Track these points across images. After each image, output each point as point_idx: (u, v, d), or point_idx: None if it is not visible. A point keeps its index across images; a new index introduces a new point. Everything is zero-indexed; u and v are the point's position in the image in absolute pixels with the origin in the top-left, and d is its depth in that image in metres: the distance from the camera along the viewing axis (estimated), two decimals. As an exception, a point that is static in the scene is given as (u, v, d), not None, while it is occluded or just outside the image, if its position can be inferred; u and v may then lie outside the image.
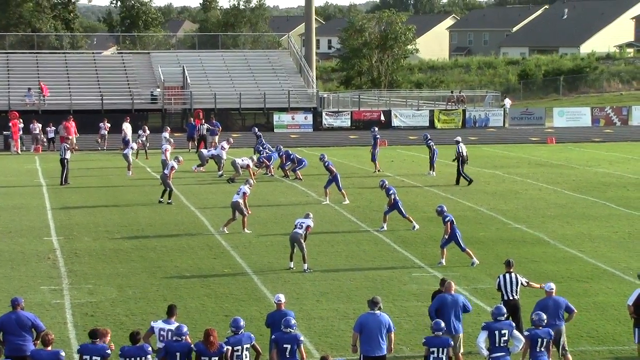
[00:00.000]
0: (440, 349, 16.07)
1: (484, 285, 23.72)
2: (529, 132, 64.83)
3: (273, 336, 16.35)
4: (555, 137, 60.58)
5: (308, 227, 25.69)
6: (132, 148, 44.68)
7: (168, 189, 35.37)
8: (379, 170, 43.97)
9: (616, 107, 73.07)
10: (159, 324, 16.55)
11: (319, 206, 35.31)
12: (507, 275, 19.19)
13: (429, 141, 43.70)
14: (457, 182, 40.74)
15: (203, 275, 24.87)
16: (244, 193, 30.44)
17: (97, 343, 15.50)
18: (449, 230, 25.81)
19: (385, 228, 30.66)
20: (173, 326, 16.31)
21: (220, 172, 42.95)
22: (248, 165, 41.08)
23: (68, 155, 41.35)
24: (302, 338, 16.31)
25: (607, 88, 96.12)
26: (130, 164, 43.24)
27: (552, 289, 18.17)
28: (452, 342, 16.78)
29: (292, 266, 25.54)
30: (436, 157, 43.48)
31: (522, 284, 19.25)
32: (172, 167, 35.72)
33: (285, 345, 16.02)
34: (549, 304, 17.84)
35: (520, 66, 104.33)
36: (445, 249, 26.23)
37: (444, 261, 26.10)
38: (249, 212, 30.88)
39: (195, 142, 52.16)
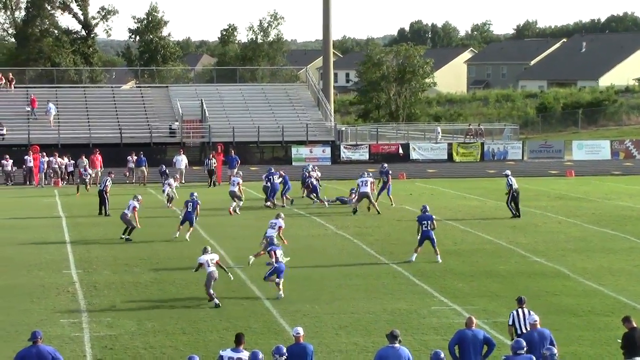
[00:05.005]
0: None
1: (504, 318, 23.48)
2: (548, 165, 64.71)
3: None
4: (575, 170, 60.45)
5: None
6: (169, 184, 44.27)
7: (130, 227, 35.09)
8: (391, 204, 43.83)
9: (636, 140, 72.86)
10: (227, 353, 16.69)
11: (337, 239, 35.28)
12: (520, 310, 19.12)
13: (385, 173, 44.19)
14: (518, 214, 40.43)
15: (222, 309, 24.82)
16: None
17: None
18: (421, 231, 30.34)
19: (413, 259, 30.61)
20: (242, 354, 16.50)
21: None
22: (239, 183, 42.27)
23: (109, 187, 41.65)
24: None
25: (627, 121, 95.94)
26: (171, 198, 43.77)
27: (536, 321, 18.18)
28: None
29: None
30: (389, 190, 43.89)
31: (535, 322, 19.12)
32: (134, 207, 35.56)
33: None
34: (534, 336, 17.76)
35: (538, 99, 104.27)
36: (420, 248, 30.45)
37: (414, 258, 30.36)
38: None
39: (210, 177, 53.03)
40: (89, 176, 51.41)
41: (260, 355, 16.08)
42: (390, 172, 45.24)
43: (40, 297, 26.20)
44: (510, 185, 40.55)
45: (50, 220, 40.65)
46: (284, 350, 16.36)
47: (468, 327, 18.01)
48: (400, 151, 66.63)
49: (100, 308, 24.92)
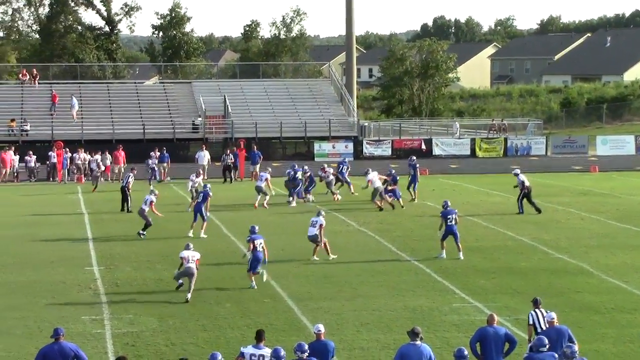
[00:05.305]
0: None
1: (526, 316, 23.36)
2: (572, 161, 64.40)
3: None
4: (599, 166, 60.11)
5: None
6: (192, 180, 43.48)
7: (146, 223, 35.13)
8: (413, 199, 43.72)
9: (661, 135, 72.40)
10: (249, 350, 16.72)
11: (359, 235, 35.24)
12: (537, 311, 19.03)
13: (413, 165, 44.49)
14: (538, 210, 40.30)
15: (243, 306, 24.82)
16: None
17: None
18: (444, 225, 30.30)
19: (444, 255, 30.58)
20: (264, 351, 16.54)
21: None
22: (266, 179, 42.88)
23: (131, 184, 41.73)
24: None
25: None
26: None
27: (553, 318, 18.09)
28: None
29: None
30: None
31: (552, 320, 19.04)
32: (152, 202, 35.57)
33: None
34: (551, 334, 17.67)
35: (562, 94, 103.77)
36: (443, 242, 30.37)
37: (444, 254, 30.20)
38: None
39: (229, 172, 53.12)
40: (100, 172, 51.40)
41: (282, 352, 16.05)
42: (418, 165, 45.14)
43: (62, 294, 26.28)
44: (522, 183, 40.36)
45: (73, 217, 40.77)
46: (306, 347, 16.35)
47: (489, 325, 17.93)
48: (423, 147, 66.46)
49: (122, 305, 24.96)
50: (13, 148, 57.10)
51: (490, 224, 37.59)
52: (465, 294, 25.96)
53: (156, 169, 53.03)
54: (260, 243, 26.89)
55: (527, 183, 40.50)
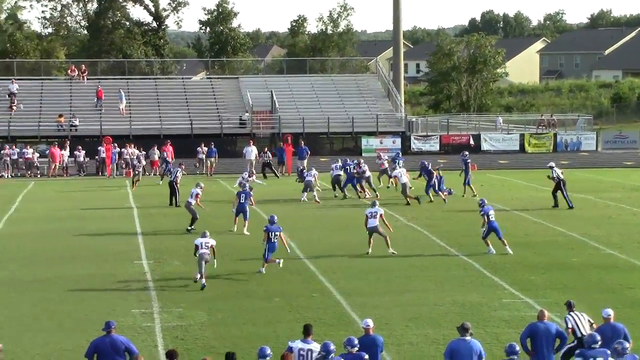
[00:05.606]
0: None
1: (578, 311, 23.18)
2: (623, 156, 63.72)
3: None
4: (650, 162, 59.45)
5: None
6: (243, 178, 43.02)
7: (193, 217, 35.25)
8: (474, 195, 43.47)
9: None
10: (297, 344, 16.72)
11: (407, 230, 35.11)
12: (573, 314, 18.69)
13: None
14: (570, 205, 40.07)
15: (292, 300, 24.79)
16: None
17: None
18: (486, 222, 30.14)
19: (493, 250, 30.37)
20: (312, 345, 16.54)
21: (303, 197, 43.10)
22: (315, 175, 43.46)
23: (179, 178, 41.88)
24: (366, 357, 16.15)
25: None
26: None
27: (610, 315, 17.82)
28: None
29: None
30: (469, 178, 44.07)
31: (589, 320, 18.79)
32: (197, 194, 35.58)
33: None
34: (606, 330, 17.42)
35: (613, 89, 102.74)
36: (487, 240, 30.18)
37: (492, 249, 30.07)
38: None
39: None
40: (141, 168, 51.19)
41: (332, 347, 16.00)
42: (469, 161, 44.90)
43: (112, 287, 26.43)
44: (557, 176, 40.16)
45: (122, 211, 41.02)
46: (356, 341, 16.29)
47: (540, 320, 17.77)
48: (471, 142, 66.07)
49: (171, 299, 25.04)
50: (68, 143, 57.74)
51: (540, 219, 37.28)
52: (515, 289, 25.75)
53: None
54: (276, 234, 27.85)
55: (562, 176, 40.32)
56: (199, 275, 26.21)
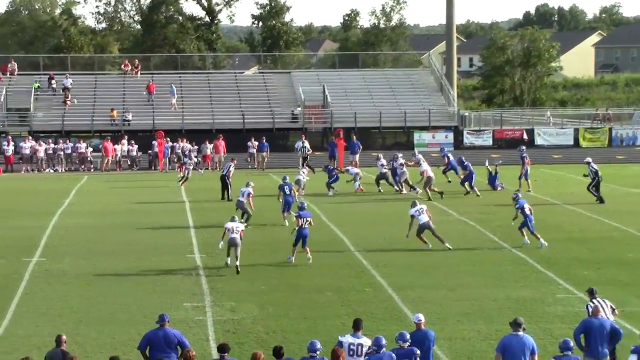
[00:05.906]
0: None
1: (632, 307, 22.95)
2: (680, 151, 62.85)
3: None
4: None
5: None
6: (301, 174, 42.91)
7: (247, 215, 35.09)
8: (529, 190, 43.08)
9: None
10: (347, 339, 16.69)
11: (459, 225, 34.91)
12: (595, 301, 18.48)
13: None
14: (601, 200, 39.76)
15: (343, 294, 24.73)
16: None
17: (227, 358, 15.61)
18: (521, 216, 30.21)
19: (528, 242, 30.16)
20: (362, 340, 16.51)
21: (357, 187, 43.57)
22: (357, 173, 44.29)
23: (232, 173, 41.97)
24: (417, 352, 16.09)
25: None
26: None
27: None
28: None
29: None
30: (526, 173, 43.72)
31: (611, 306, 18.63)
32: (249, 194, 35.45)
33: None
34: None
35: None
36: (523, 230, 30.26)
37: (527, 241, 30.16)
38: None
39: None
40: (191, 166, 50.69)
41: (384, 341, 15.96)
42: (526, 156, 44.55)
43: (164, 281, 26.56)
44: (595, 171, 39.83)
45: (175, 205, 41.21)
46: (408, 336, 16.23)
47: (594, 316, 17.55)
48: (525, 137, 65.48)
49: (223, 292, 25.10)
50: (126, 137, 58.20)
51: (595, 215, 36.88)
52: (570, 284, 25.48)
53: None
54: (308, 220, 28.25)
55: (599, 173, 40.03)
56: (229, 259, 26.83)
